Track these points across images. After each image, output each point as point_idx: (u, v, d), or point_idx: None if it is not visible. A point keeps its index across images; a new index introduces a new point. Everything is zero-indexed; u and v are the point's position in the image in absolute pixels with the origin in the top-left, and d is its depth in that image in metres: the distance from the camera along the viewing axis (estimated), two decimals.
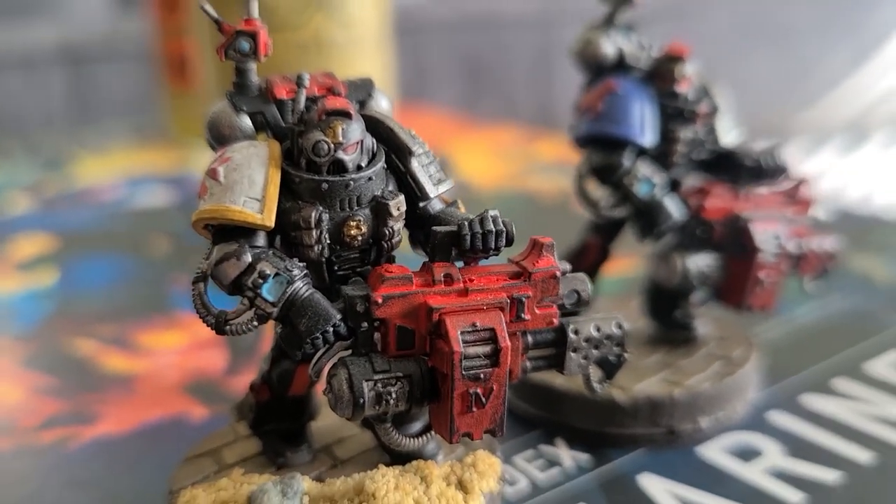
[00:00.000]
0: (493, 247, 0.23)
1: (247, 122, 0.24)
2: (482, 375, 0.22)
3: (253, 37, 0.24)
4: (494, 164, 0.74)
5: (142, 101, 0.98)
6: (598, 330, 0.24)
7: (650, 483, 0.28)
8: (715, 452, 0.29)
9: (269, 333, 0.26)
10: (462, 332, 0.22)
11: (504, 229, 0.23)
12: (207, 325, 0.22)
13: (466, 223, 0.22)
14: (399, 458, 0.26)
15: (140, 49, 0.94)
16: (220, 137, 0.24)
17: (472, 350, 0.22)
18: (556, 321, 0.23)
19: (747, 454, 0.29)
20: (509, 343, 0.22)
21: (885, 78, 1.58)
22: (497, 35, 1.34)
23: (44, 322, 0.43)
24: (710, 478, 0.28)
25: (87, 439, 0.32)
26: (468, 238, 0.22)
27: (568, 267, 0.24)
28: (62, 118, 1.07)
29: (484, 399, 0.22)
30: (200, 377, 0.36)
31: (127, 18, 1.16)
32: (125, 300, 0.46)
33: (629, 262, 0.41)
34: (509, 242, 0.23)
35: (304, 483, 0.25)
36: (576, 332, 0.24)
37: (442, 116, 0.95)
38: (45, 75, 1.08)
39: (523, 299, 0.23)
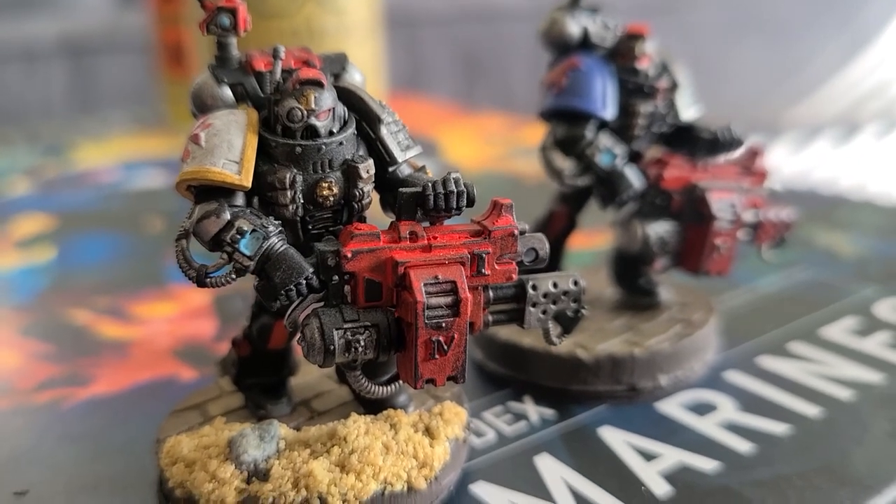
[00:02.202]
0: (454, 206, 0.24)
1: (227, 92, 0.26)
2: (444, 324, 0.23)
3: (233, 12, 0.25)
4: (481, 148, 0.75)
5: (140, 92, 0.99)
6: (556, 286, 0.26)
7: (609, 434, 0.30)
8: (672, 407, 0.31)
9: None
10: (425, 284, 0.23)
11: (465, 190, 0.24)
12: (189, 279, 0.24)
13: (430, 184, 0.24)
14: (373, 410, 0.28)
15: (139, 42, 0.96)
16: (202, 106, 0.26)
17: (434, 300, 0.23)
18: (515, 277, 0.25)
19: (702, 409, 0.31)
20: (469, 295, 0.24)
21: (877, 72, 1.59)
22: (493, 27, 1.35)
23: (41, 294, 0.45)
24: (665, 429, 0.30)
25: (81, 399, 0.34)
26: (431, 198, 0.24)
27: (526, 227, 0.25)
28: (62, 108, 1.08)
29: (446, 347, 0.24)
30: (190, 343, 0.38)
31: (127, 12, 1.18)
32: (120, 274, 0.47)
33: (598, 236, 0.43)
34: (470, 203, 0.25)
35: (281, 429, 0.26)
36: (534, 288, 0.26)
37: (435, 106, 0.97)
38: (47, 67, 1.09)
39: (483, 255, 0.24)
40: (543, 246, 0.26)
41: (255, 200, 0.25)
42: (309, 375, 0.31)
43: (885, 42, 1.64)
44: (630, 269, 0.35)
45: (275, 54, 0.25)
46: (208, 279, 0.24)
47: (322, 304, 0.24)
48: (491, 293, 0.25)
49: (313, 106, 0.24)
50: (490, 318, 0.26)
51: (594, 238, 0.43)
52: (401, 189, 0.25)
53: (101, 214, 0.59)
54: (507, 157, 0.71)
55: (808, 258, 0.45)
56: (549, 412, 0.31)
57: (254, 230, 0.23)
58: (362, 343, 0.24)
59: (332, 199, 0.25)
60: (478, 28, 1.34)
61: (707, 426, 0.30)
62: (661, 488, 0.26)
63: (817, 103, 1.56)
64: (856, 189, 0.80)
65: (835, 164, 1.21)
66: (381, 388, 0.26)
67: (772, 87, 1.52)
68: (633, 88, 0.32)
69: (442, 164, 0.68)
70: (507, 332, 0.33)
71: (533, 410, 0.31)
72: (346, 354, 0.24)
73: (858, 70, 1.62)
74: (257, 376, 0.29)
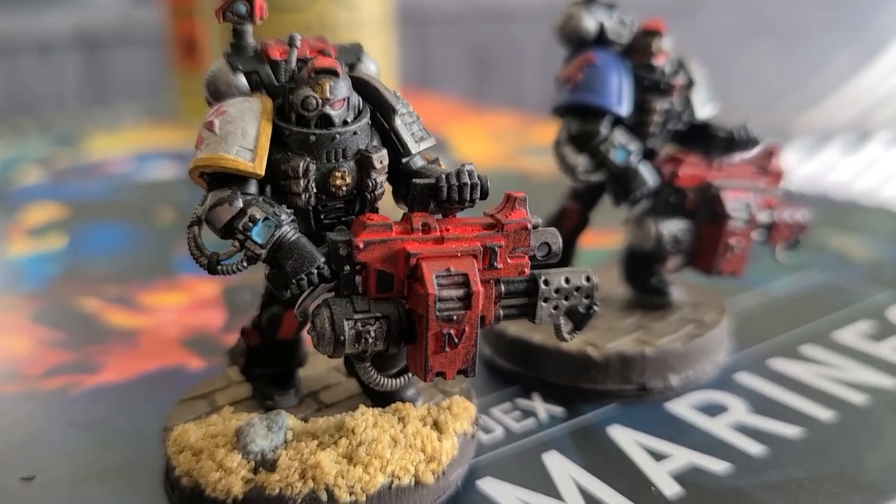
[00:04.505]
0: (468, 198, 0.24)
1: (242, 80, 0.25)
2: (455, 317, 0.23)
3: (249, 0, 0.25)
4: (491, 146, 0.75)
5: (153, 85, 1.00)
6: (568, 281, 0.26)
7: (618, 433, 0.29)
8: (682, 408, 0.31)
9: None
10: (437, 276, 0.23)
11: (479, 182, 0.24)
12: (200, 266, 0.24)
13: (444, 176, 0.24)
14: (381, 403, 0.27)
15: (153, 35, 0.96)
16: (217, 94, 0.25)
17: (445, 293, 0.23)
18: (527, 271, 0.25)
19: (713, 410, 0.31)
20: (481, 288, 0.23)
21: (889, 79, 1.58)
22: (505, 26, 1.35)
23: (52, 282, 0.45)
24: (675, 429, 0.29)
25: (90, 386, 0.34)
26: (445, 189, 0.24)
27: (539, 221, 0.25)
28: (76, 99, 1.09)
29: (456, 340, 0.24)
30: (199, 333, 0.38)
31: (140, 6, 1.18)
32: (130, 264, 0.47)
33: (611, 236, 0.43)
34: (484, 195, 0.24)
35: (289, 420, 0.26)
36: (546, 283, 0.25)
37: (445, 103, 0.96)
38: (61, 59, 1.10)
39: (496, 248, 0.24)
40: (556, 241, 0.26)
41: (268, 189, 0.25)
42: (317, 367, 0.31)
43: None
44: (642, 267, 0.35)
45: (290, 43, 0.25)
46: (220, 266, 0.24)
47: (333, 294, 0.24)
48: (502, 287, 0.25)
49: (328, 95, 0.24)
50: (501, 312, 0.25)
51: (606, 236, 0.43)
52: (414, 180, 0.25)
53: (113, 204, 0.60)
54: (517, 154, 0.71)
55: (822, 261, 0.45)
56: (557, 410, 0.31)
57: (266, 218, 0.23)
58: (372, 334, 0.23)
59: (344, 188, 0.24)
60: (488, 26, 1.34)
61: (718, 427, 0.30)
62: (670, 489, 0.26)
63: (829, 109, 1.55)
64: (868, 194, 0.79)
65: (846, 170, 1.20)
66: (390, 380, 0.25)
67: (783, 92, 1.51)
68: (648, 85, 0.32)
69: (452, 161, 0.68)
70: (516, 329, 0.33)
71: (541, 407, 0.31)
72: (356, 345, 0.23)
73: (871, 77, 1.61)
74: (266, 366, 0.29)
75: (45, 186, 0.65)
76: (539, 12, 1.30)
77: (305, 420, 0.27)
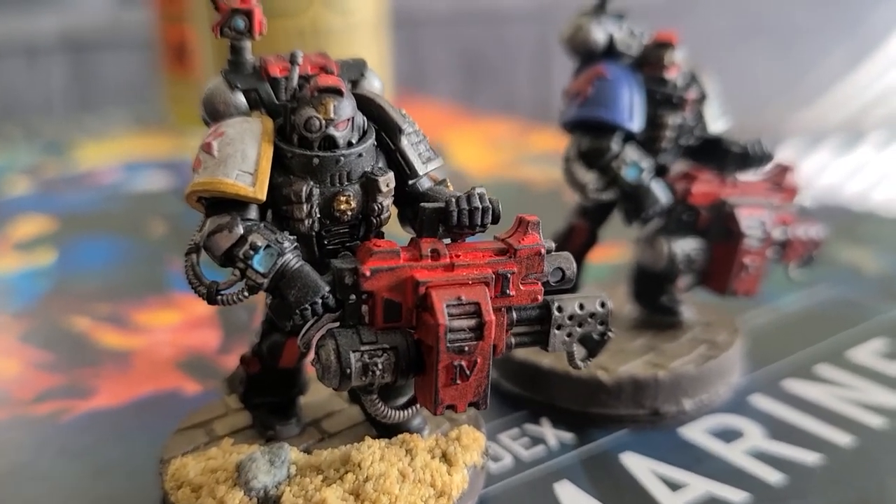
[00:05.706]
0: (479, 223, 0.23)
1: (241, 98, 0.24)
2: (467, 348, 0.22)
3: (248, 15, 0.24)
4: (488, 153, 0.74)
5: (142, 90, 0.98)
6: (582, 308, 0.24)
7: (632, 461, 0.28)
8: (697, 433, 0.30)
9: (260, 310, 0.27)
10: (448, 306, 0.22)
11: (490, 206, 0.23)
12: (199, 296, 0.23)
13: (454, 199, 0.23)
14: (386, 432, 0.26)
15: (141, 39, 0.95)
16: (214, 113, 0.24)
17: (457, 323, 0.22)
18: (540, 298, 0.24)
19: (729, 435, 0.30)
20: (494, 317, 0.22)
21: (882, 79, 1.58)
22: (496, 29, 1.34)
23: (41, 300, 0.44)
24: (691, 457, 0.28)
25: (81, 411, 0.32)
26: (455, 214, 0.23)
27: (552, 245, 0.24)
28: (63, 105, 1.07)
29: (468, 371, 0.23)
30: (194, 354, 0.37)
31: (128, 9, 1.16)
32: (122, 280, 0.46)
33: (617, 249, 0.42)
34: (495, 219, 0.23)
35: (292, 453, 0.25)
36: (560, 310, 0.24)
37: (439, 108, 0.95)
38: (47, 63, 1.08)
39: (508, 275, 0.23)
40: (571, 266, 0.25)
41: (269, 214, 0.24)
42: (318, 394, 0.29)
43: (891, 49, 1.63)
44: (652, 286, 0.34)
45: (292, 59, 0.24)
46: (219, 296, 0.23)
47: (338, 324, 0.23)
48: (514, 314, 0.24)
49: (332, 115, 0.23)
50: (513, 340, 0.24)
51: (611, 250, 0.42)
52: (423, 204, 0.23)
53: (103, 216, 0.58)
54: (514, 163, 0.70)
55: (832, 275, 0.44)
56: (567, 436, 0.30)
57: (268, 245, 0.22)
58: (380, 366, 0.22)
59: (349, 213, 0.23)
60: (480, 30, 1.33)
61: (734, 454, 0.29)
62: None
63: (822, 109, 1.55)
64: (859, 197, 0.78)
65: (838, 171, 1.19)
66: (398, 412, 0.24)
67: (775, 93, 1.51)
68: (660, 99, 0.31)
69: (449, 171, 0.67)
70: (524, 352, 0.32)
71: (551, 434, 0.30)
72: (363, 378, 0.22)
73: (863, 76, 1.61)
74: (266, 395, 0.27)
75: (32, 198, 0.63)
76: (530, 15, 1.29)
77: (308, 451, 0.26)
